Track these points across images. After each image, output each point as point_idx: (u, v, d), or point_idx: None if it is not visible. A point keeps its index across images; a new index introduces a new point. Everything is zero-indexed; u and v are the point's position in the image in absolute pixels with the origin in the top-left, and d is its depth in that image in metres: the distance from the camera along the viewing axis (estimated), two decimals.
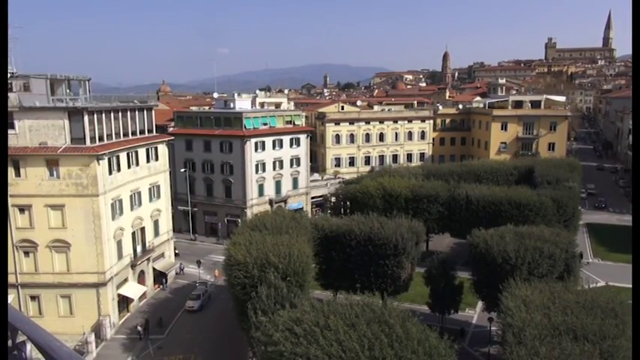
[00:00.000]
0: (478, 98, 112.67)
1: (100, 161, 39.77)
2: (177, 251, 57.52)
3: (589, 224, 67.27)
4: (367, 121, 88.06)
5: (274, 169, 68.77)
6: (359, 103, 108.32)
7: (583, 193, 74.89)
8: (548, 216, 47.04)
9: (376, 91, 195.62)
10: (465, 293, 37.60)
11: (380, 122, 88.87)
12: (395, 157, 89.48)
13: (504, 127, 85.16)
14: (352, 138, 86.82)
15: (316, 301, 26.27)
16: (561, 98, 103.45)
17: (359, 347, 19.89)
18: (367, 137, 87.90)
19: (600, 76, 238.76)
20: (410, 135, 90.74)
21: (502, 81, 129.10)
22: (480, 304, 40.93)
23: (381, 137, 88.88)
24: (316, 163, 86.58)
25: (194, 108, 77.32)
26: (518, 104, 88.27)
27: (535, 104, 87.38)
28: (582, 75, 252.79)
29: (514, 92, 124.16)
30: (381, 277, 37.10)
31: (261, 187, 67.16)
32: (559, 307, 24.42)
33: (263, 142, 66.80)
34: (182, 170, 65.90)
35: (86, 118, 40.14)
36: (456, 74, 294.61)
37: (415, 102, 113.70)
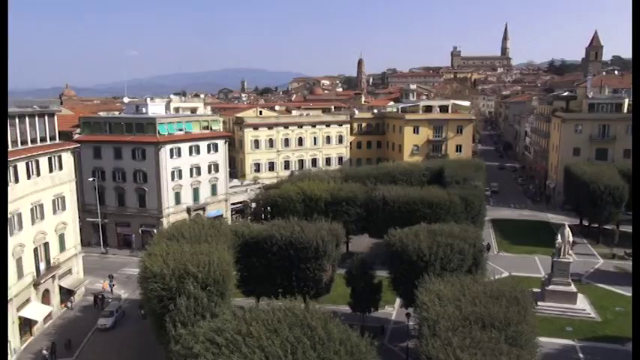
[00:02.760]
0: (392, 103, 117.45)
1: None
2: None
3: (493, 220, 72.47)
4: (286, 126, 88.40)
5: (191, 175, 66.77)
6: (277, 107, 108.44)
7: (487, 191, 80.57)
8: (457, 213, 50.08)
9: (294, 95, 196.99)
10: (384, 291, 38.85)
11: (299, 127, 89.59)
12: (314, 161, 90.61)
13: (416, 131, 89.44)
14: (271, 143, 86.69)
15: (238, 309, 25.91)
16: (466, 103, 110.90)
17: (281, 352, 19.91)
18: (286, 142, 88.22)
19: (500, 82, 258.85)
20: (328, 139, 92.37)
21: (413, 87, 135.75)
22: (398, 301, 42.50)
23: (300, 142, 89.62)
24: (235, 169, 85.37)
25: (102, 113, 72.86)
26: (428, 109, 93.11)
27: (443, 109, 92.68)
28: (484, 81, 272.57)
29: (424, 97, 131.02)
30: (302, 280, 37.34)
31: (177, 195, 64.88)
32: (469, 299, 26.05)
33: (179, 149, 64.64)
34: (90, 180, 61.88)
35: None
36: (371, 80, 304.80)
37: (332, 107, 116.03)
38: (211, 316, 24.93)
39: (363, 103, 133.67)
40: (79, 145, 54.84)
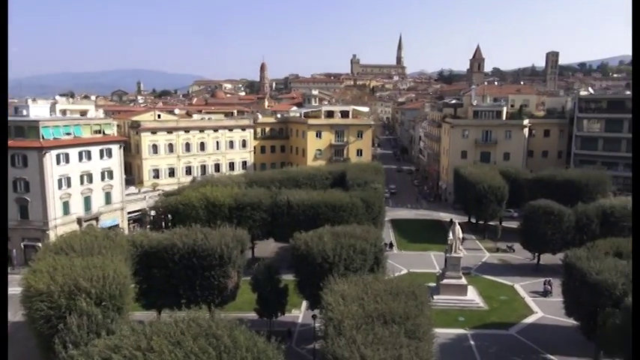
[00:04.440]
0: (294, 108, 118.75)
1: None
2: None
3: (393, 220, 76.19)
4: (187, 130, 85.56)
5: (82, 183, 61.93)
6: (177, 111, 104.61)
7: (387, 193, 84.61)
8: (359, 215, 51.95)
9: (195, 99, 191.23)
10: (290, 295, 39.04)
11: (200, 131, 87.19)
12: (217, 167, 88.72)
13: (319, 135, 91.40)
14: (171, 148, 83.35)
15: (137, 323, 24.49)
16: (365, 109, 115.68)
17: None
18: (187, 146, 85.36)
19: (396, 89, 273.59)
20: (231, 144, 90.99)
21: (315, 92, 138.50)
22: (304, 304, 42.97)
23: (202, 146, 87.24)
24: (132, 176, 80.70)
25: None
26: (329, 114, 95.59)
27: (344, 114, 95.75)
28: (382, 88, 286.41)
29: (326, 103, 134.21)
30: (207, 289, 36.32)
31: (66, 205, 59.80)
32: (371, 297, 27.08)
33: (67, 154, 59.65)
34: None
35: None
36: (274, 84, 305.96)
37: (235, 111, 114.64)
38: (107, 333, 23.31)
39: (266, 107, 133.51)
40: None
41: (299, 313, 44.11)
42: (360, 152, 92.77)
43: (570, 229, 52.18)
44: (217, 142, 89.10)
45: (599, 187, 62.50)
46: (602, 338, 31.39)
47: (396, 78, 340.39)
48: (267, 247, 60.08)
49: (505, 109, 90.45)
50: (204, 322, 22.73)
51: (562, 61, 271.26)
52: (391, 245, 63.01)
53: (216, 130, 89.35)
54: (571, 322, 37.59)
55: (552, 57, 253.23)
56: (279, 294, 38.15)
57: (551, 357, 36.37)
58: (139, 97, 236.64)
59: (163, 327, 22.40)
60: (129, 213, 69.54)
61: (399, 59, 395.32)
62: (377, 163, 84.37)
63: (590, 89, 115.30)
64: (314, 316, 36.53)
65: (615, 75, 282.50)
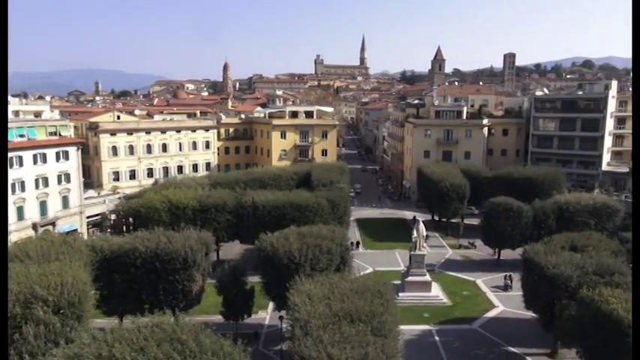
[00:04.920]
0: (259, 108, 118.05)
1: None
2: None
3: (358, 219, 76.81)
4: (148, 132, 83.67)
5: (37, 187, 59.59)
6: (137, 112, 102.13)
7: (352, 193, 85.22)
8: (324, 215, 52.09)
9: (156, 99, 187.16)
10: (256, 297, 38.79)
11: (162, 132, 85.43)
12: (180, 168, 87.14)
13: (283, 136, 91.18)
14: (132, 149, 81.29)
15: (98, 331, 23.77)
16: (330, 109, 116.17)
17: None
18: (149, 148, 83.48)
19: (360, 90, 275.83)
20: (194, 145, 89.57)
21: (279, 92, 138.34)
22: (271, 305, 42.73)
23: (164, 148, 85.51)
24: (91, 179, 78.32)
25: None
26: (294, 114, 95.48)
27: (309, 114, 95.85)
28: (346, 89, 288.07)
29: (290, 103, 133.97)
30: (171, 293, 35.60)
31: (20, 210, 57.39)
32: (338, 296, 27.20)
33: (20, 157, 57.28)
34: None
35: None
36: (237, 85, 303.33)
37: (198, 111, 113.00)
38: (66, 342, 22.51)
39: (229, 108, 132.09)
40: None
41: (266, 314, 43.87)
42: (325, 152, 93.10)
43: (528, 224, 53.97)
44: (180, 144, 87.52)
45: (555, 183, 64.90)
46: (559, 329, 32.61)
47: (359, 78, 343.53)
48: (233, 249, 59.46)
49: (465, 109, 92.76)
50: (169, 327, 22.27)
51: (519, 62, 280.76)
52: (357, 244, 63.52)
53: (178, 131, 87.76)
54: (530, 314, 38.87)
55: (510, 58, 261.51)
56: (245, 296, 37.82)
57: (512, 349, 37.52)
58: (97, 98, 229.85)
59: (125, 333, 21.82)
60: (88, 217, 67.39)
61: (362, 60, 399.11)
62: (342, 163, 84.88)
63: (546, 90, 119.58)
64: (281, 317, 36.38)
65: (569, 76, 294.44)
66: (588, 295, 28.65)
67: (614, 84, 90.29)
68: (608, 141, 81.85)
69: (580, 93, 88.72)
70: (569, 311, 30.94)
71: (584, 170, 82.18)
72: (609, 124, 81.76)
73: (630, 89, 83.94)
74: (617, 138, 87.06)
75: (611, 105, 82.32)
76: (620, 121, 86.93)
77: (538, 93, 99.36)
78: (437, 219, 74.68)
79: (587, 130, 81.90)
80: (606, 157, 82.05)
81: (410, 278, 47.67)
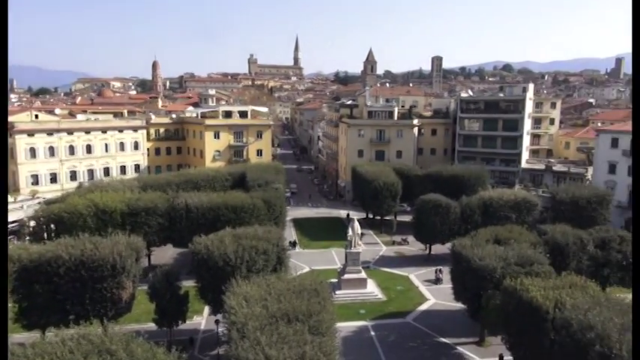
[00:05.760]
0: (191, 108, 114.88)
1: None
2: None
3: (294, 219, 76.93)
4: (70, 132, 78.89)
5: None
6: (58, 111, 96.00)
7: (288, 193, 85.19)
8: (260, 216, 51.65)
9: (79, 98, 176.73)
10: (191, 301, 37.74)
11: (86, 133, 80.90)
12: (107, 171, 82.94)
13: (217, 136, 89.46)
14: (52, 151, 76.31)
15: (17, 346, 22.12)
16: (264, 109, 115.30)
17: None
18: (71, 149, 78.75)
19: (294, 90, 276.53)
20: (122, 146, 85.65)
21: (212, 92, 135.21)
22: (207, 309, 41.80)
23: (89, 149, 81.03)
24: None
25: None
26: (228, 114, 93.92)
27: (243, 114, 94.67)
28: (280, 89, 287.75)
29: (224, 103, 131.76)
30: (98, 302, 33.77)
31: None
32: (274, 297, 27.11)
33: None
34: None
35: None
36: (168, 84, 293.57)
37: (126, 111, 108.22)
38: None
39: (160, 107, 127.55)
40: None
41: (201, 319, 42.82)
42: (260, 152, 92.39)
43: (456, 220, 56.60)
44: (106, 145, 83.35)
45: (480, 180, 68.50)
46: (486, 318, 34.55)
47: (293, 79, 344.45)
48: (166, 254, 57.48)
49: (397, 109, 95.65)
50: (97, 338, 21.18)
51: (445, 65, 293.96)
52: (294, 244, 63.62)
53: (104, 131, 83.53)
54: (459, 305, 40.73)
55: (437, 61, 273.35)
56: (179, 301, 36.67)
57: (444, 339, 39.20)
58: (12, 96, 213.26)
59: (48, 347, 20.48)
60: None
61: (296, 60, 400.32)
62: (277, 163, 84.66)
63: (470, 91, 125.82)
64: (217, 321, 35.70)
65: (491, 78, 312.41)
66: (511, 284, 30.55)
67: (531, 87, 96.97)
68: (526, 140, 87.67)
69: (501, 95, 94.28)
70: (494, 301, 32.82)
71: (505, 168, 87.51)
72: (527, 124, 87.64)
73: (545, 92, 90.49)
74: (534, 137, 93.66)
75: (529, 106, 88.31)
76: (536, 121, 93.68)
77: (463, 94, 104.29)
78: (371, 217, 76.42)
79: (508, 129, 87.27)
80: (525, 155, 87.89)
81: (346, 276, 48.40)
